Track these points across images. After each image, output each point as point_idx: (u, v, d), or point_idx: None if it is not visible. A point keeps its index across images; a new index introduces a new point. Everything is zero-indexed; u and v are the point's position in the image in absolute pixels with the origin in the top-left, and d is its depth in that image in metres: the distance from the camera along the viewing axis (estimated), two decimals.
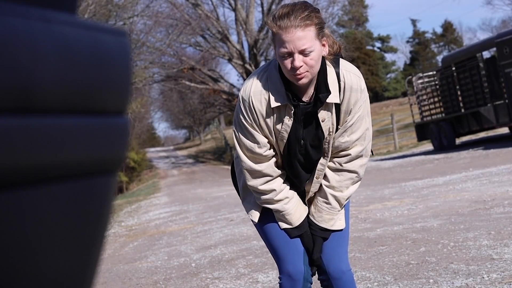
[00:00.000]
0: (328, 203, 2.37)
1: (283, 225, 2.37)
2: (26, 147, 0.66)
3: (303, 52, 2.08)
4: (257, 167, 2.29)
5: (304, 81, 2.12)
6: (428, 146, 20.81)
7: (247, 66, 30.91)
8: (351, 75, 2.24)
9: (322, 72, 2.18)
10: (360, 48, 52.92)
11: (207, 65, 36.18)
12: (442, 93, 18.43)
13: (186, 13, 31.35)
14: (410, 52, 65.52)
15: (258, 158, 2.28)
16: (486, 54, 17.49)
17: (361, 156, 2.35)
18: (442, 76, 18.39)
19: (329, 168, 2.37)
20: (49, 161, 0.69)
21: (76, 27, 0.75)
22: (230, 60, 32.49)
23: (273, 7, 30.78)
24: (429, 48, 63.66)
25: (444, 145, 17.93)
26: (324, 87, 2.19)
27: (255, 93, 2.22)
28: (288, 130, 2.24)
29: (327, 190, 2.36)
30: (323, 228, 2.38)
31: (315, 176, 2.36)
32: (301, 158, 2.32)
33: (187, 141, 74.82)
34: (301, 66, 2.08)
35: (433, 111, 19.16)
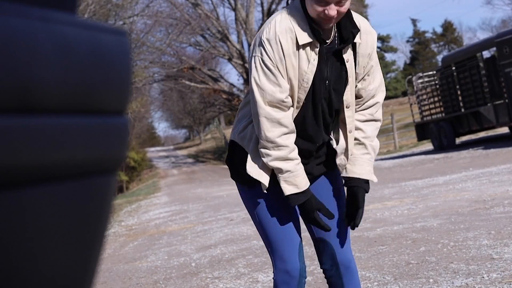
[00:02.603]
0: (369, 154, 2.34)
1: (289, 191, 2.20)
2: (26, 147, 0.66)
3: (339, 3, 2.09)
4: (276, 114, 2.17)
5: (331, 25, 2.14)
6: (428, 145, 20.81)
7: (247, 65, 30.94)
8: (363, 19, 2.28)
9: (348, 12, 2.19)
10: None
11: (207, 65, 36.19)
12: (442, 92, 18.43)
13: (186, 13, 31.36)
14: (410, 51, 65.53)
15: (277, 104, 2.17)
16: (486, 54, 17.49)
17: (377, 122, 2.39)
18: (442, 75, 18.39)
19: (360, 120, 2.35)
20: (49, 161, 0.69)
21: (76, 27, 0.75)
22: (230, 60, 32.51)
23: (273, 7, 30.81)
24: (429, 48, 63.65)
25: (444, 145, 17.93)
26: (350, 25, 2.19)
27: (281, 32, 2.14)
28: (314, 70, 2.17)
29: (366, 141, 2.34)
30: (367, 180, 2.34)
31: (348, 130, 2.29)
32: (324, 105, 2.24)
33: (187, 141, 74.84)
34: (334, 15, 2.09)
35: (433, 111, 19.16)
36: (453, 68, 17.65)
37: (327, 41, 2.21)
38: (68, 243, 0.75)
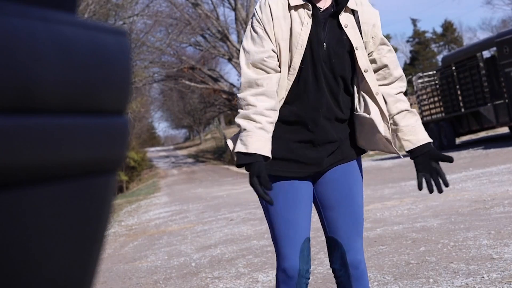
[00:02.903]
0: (419, 119, 2.36)
1: (238, 148, 2.14)
2: (25, 146, 0.66)
3: None
4: (254, 75, 2.19)
5: None
6: None
7: None
8: None
9: None
10: None
11: (207, 65, 36.18)
12: (442, 92, 18.43)
13: (186, 13, 31.36)
14: (410, 51, 65.52)
15: (259, 64, 2.19)
16: (486, 54, 17.49)
17: (403, 79, 2.39)
18: (442, 75, 18.39)
19: (395, 93, 2.34)
20: (49, 161, 0.69)
21: (76, 27, 0.75)
22: (230, 60, 32.50)
23: None
24: (429, 48, 63.65)
25: (444, 145, 17.93)
26: None
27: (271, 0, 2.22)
28: (308, 32, 2.18)
29: (411, 109, 2.35)
30: (429, 143, 2.34)
31: (374, 93, 2.26)
32: (325, 69, 2.22)
33: (187, 141, 74.86)
34: None
35: (433, 111, 19.17)
36: (453, 68, 17.65)
37: (321, 7, 2.24)
38: (68, 243, 0.75)
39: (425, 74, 20.02)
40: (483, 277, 3.75)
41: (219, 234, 7.74)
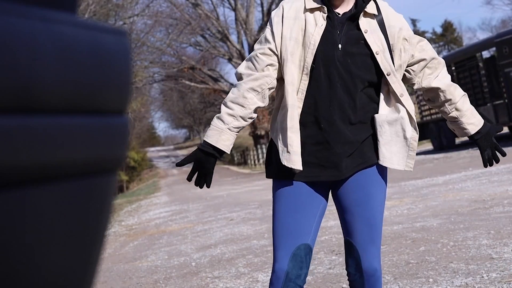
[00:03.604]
0: (468, 102, 2.41)
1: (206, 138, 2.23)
2: (26, 146, 0.66)
3: None
4: (242, 69, 2.27)
5: None
6: (427, 145, 20.82)
7: None
8: (384, 1, 2.38)
9: None
10: None
11: (207, 65, 36.18)
12: None
13: (186, 13, 31.36)
14: None
15: (252, 60, 2.26)
16: (485, 54, 17.49)
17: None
18: None
19: (443, 84, 2.38)
20: (49, 161, 0.69)
21: (76, 27, 0.76)
22: (230, 60, 32.51)
23: (273, 7, 30.79)
24: None
25: (443, 145, 17.93)
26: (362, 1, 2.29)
27: (288, 1, 2.30)
28: (321, 33, 2.22)
29: (463, 93, 2.40)
30: (489, 121, 2.43)
31: (399, 95, 2.26)
32: (341, 70, 2.23)
33: (187, 141, 74.84)
34: None
35: (432, 111, 19.16)
36: (453, 68, 17.65)
37: (339, 12, 2.28)
38: (69, 242, 0.75)
39: None
40: (482, 277, 3.75)
41: (219, 234, 7.74)
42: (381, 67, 2.24)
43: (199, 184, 2.28)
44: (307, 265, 2.27)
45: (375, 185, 2.29)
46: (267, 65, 2.24)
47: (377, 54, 2.24)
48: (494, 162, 2.45)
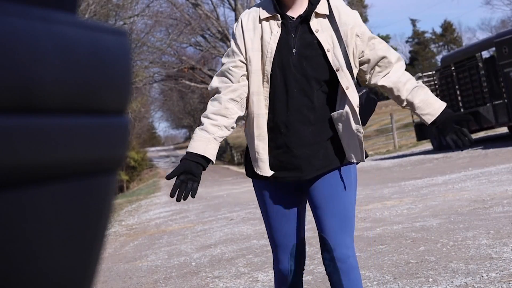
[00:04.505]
0: (425, 88, 2.44)
1: (189, 148, 2.34)
2: (26, 146, 0.66)
3: None
4: (217, 83, 2.39)
5: None
6: (427, 145, 20.81)
7: None
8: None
9: None
10: None
11: (207, 65, 36.18)
12: (441, 92, 18.42)
13: (186, 13, 31.37)
14: (410, 52, 65.51)
15: (225, 72, 2.37)
16: (485, 54, 17.48)
17: (400, 59, 2.48)
18: (441, 76, 18.39)
19: (394, 79, 2.43)
20: (49, 161, 0.70)
21: (76, 27, 0.76)
22: None
23: None
24: (428, 48, 63.64)
25: (443, 145, 17.92)
26: (315, 1, 2.38)
27: (244, 14, 2.44)
28: (276, 40, 2.33)
29: (416, 84, 2.43)
30: (448, 108, 2.45)
31: (344, 87, 2.33)
32: (297, 75, 2.34)
33: (187, 141, 74.80)
34: None
35: None
36: (453, 68, 17.65)
37: (292, 16, 2.38)
38: (69, 242, 0.75)
39: (424, 74, 20.01)
40: (482, 277, 3.75)
41: (219, 234, 7.74)
42: (331, 64, 2.34)
43: (183, 196, 2.30)
44: (304, 254, 2.54)
45: (343, 181, 2.39)
46: (241, 76, 2.37)
47: (328, 51, 2.34)
48: (462, 145, 2.47)
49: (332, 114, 2.35)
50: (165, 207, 13.78)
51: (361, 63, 2.43)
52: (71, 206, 0.75)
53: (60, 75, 0.71)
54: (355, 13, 2.45)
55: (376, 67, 2.43)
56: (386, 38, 63.90)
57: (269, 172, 2.35)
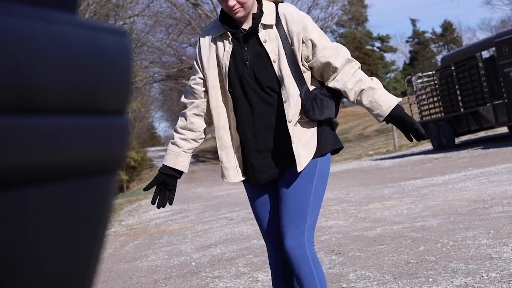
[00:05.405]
0: (374, 89, 2.47)
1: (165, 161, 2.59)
2: (26, 146, 0.66)
3: None
4: (184, 99, 2.60)
5: (240, 14, 2.43)
6: (427, 145, 20.81)
7: None
8: (287, 5, 2.53)
9: (259, 3, 2.50)
10: (360, 48, 52.89)
11: None
12: (441, 92, 18.43)
13: (186, 13, 31.38)
14: (410, 51, 65.49)
15: (188, 89, 2.57)
16: (485, 54, 17.48)
17: (349, 61, 2.52)
18: (441, 75, 18.39)
19: (341, 85, 2.49)
20: (49, 161, 0.70)
21: (76, 27, 0.76)
22: None
23: None
24: (428, 48, 63.62)
25: (443, 145, 17.93)
26: (259, 12, 2.49)
27: (203, 32, 2.57)
28: (229, 56, 2.47)
29: (362, 86, 2.47)
30: (395, 106, 2.48)
31: (283, 100, 2.44)
32: (253, 85, 2.46)
33: None
34: (234, 5, 2.40)
35: (432, 111, 19.16)
36: (453, 68, 17.65)
37: (245, 28, 2.48)
38: (69, 242, 0.75)
39: (424, 74, 20.02)
40: (482, 277, 3.75)
41: (219, 234, 7.74)
42: (277, 73, 2.46)
43: (162, 204, 2.58)
44: None
45: (302, 178, 2.51)
46: (202, 92, 2.56)
47: (274, 62, 2.47)
48: (421, 139, 2.52)
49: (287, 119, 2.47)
50: (165, 207, 13.76)
51: (310, 68, 2.52)
52: (71, 206, 0.75)
53: (60, 75, 0.71)
54: (304, 19, 2.50)
55: (324, 72, 2.52)
56: (386, 38, 63.94)
57: (234, 179, 2.54)
